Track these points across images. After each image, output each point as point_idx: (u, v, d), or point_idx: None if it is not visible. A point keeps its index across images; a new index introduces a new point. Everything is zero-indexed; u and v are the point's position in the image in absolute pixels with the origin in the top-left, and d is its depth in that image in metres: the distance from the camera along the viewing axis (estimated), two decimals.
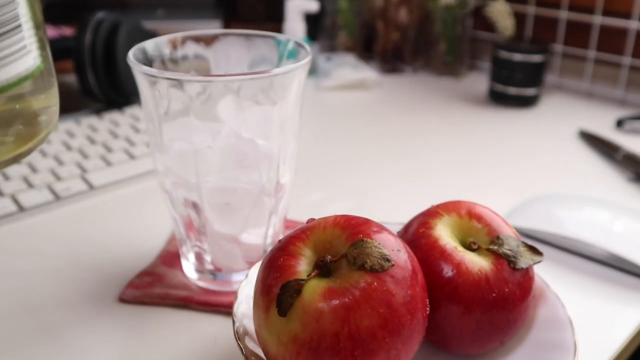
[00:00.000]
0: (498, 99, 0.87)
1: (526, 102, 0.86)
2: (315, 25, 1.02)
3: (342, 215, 0.33)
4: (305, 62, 0.40)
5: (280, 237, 0.47)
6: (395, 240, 0.32)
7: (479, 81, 0.96)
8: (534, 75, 0.85)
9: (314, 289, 0.30)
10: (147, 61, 0.43)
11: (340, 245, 0.31)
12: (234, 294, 0.45)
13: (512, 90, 0.85)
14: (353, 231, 0.32)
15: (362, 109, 0.85)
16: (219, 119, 0.40)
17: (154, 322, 0.43)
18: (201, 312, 0.44)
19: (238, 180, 0.41)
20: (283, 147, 0.42)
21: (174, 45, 0.45)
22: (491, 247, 0.35)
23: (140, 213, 0.57)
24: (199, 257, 0.45)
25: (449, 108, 0.85)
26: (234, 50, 0.47)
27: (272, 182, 0.42)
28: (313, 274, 0.30)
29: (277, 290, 0.30)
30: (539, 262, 0.35)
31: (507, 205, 0.57)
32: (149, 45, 0.43)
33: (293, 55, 0.44)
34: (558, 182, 0.64)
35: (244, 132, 0.41)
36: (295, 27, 0.91)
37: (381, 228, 0.32)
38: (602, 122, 0.80)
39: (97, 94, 0.74)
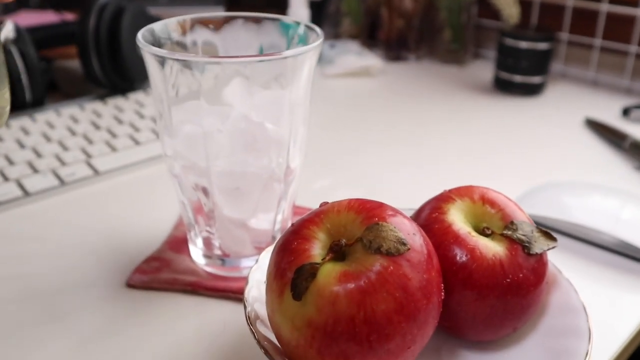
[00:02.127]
0: (503, 86, 0.87)
1: (532, 90, 0.85)
2: (319, 12, 1.02)
3: (356, 199, 0.33)
4: (316, 45, 0.40)
5: (289, 223, 0.46)
6: (410, 223, 0.31)
7: (484, 69, 0.96)
8: (539, 63, 0.84)
9: (329, 272, 0.29)
10: (156, 43, 0.42)
11: (355, 229, 0.31)
12: (243, 279, 0.44)
13: (518, 78, 0.85)
14: (368, 215, 0.31)
15: (367, 96, 0.84)
16: (228, 102, 0.40)
17: (161, 307, 0.43)
18: (209, 298, 0.44)
19: (248, 164, 0.41)
20: (293, 131, 0.42)
21: (183, 28, 0.44)
22: (505, 232, 0.35)
23: (145, 198, 0.56)
24: (207, 242, 0.45)
25: (454, 96, 0.85)
26: (243, 36, 0.47)
27: (281, 167, 0.42)
28: (328, 257, 0.30)
29: (291, 274, 0.30)
30: (553, 247, 0.35)
31: (514, 193, 0.57)
32: (158, 27, 0.43)
33: (303, 40, 0.44)
34: (565, 170, 0.64)
35: (254, 116, 0.40)
36: (299, 13, 0.90)
37: (396, 212, 0.32)
38: (608, 111, 0.79)
39: (101, 80, 0.74)
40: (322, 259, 0.30)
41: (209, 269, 0.46)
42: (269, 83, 0.40)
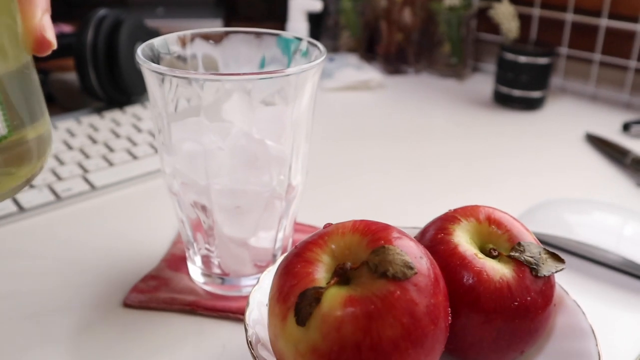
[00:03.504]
0: (503, 101, 0.86)
1: (531, 105, 0.85)
2: (317, 25, 1.01)
3: (361, 221, 0.32)
4: (319, 61, 0.39)
5: (290, 240, 0.46)
6: (417, 246, 0.31)
7: (483, 83, 0.96)
8: (539, 78, 0.84)
9: (334, 297, 0.29)
10: (155, 58, 0.42)
11: (360, 251, 0.30)
12: (243, 298, 0.43)
13: (517, 93, 0.84)
14: (373, 237, 0.30)
15: (365, 110, 0.84)
16: (229, 118, 0.39)
17: (159, 327, 0.42)
18: (208, 318, 0.43)
19: (248, 182, 0.40)
20: (295, 148, 0.41)
21: (183, 42, 0.44)
22: (512, 254, 0.34)
23: (143, 215, 0.55)
24: (207, 261, 0.44)
25: (453, 110, 0.84)
26: (243, 50, 0.46)
27: (283, 185, 0.41)
28: (332, 281, 0.29)
29: (295, 298, 0.29)
30: (561, 269, 0.34)
31: (515, 210, 0.56)
32: (158, 42, 0.42)
33: (305, 56, 0.43)
34: (565, 186, 0.63)
35: (255, 133, 0.40)
36: (298, 26, 0.90)
37: (402, 234, 0.31)
38: (608, 126, 0.79)
39: (99, 93, 0.73)
40: (326, 283, 0.29)
41: (208, 288, 0.45)
42: (270, 99, 0.39)
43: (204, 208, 0.41)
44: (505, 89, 0.85)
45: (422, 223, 0.39)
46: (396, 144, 0.73)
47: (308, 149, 0.43)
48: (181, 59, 0.44)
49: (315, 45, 0.42)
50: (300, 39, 0.44)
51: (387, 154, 0.70)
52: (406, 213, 0.57)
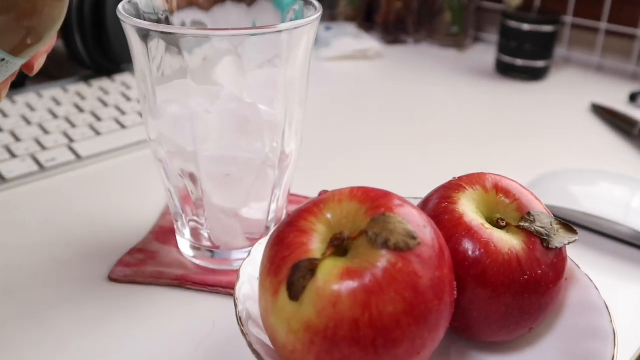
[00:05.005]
0: (505, 70, 0.83)
1: (535, 75, 0.82)
2: None
3: (359, 187, 0.30)
4: (314, 18, 0.37)
5: (284, 212, 0.43)
6: (420, 215, 0.28)
7: (485, 53, 0.92)
8: (544, 47, 0.81)
9: (330, 269, 0.26)
10: (140, 19, 0.39)
11: (359, 220, 0.28)
12: (233, 273, 0.41)
13: (520, 62, 0.81)
14: (373, 205, 0.28)
15: (364, 80, 0.81)
16: (218, 82, 0.37)
17: (146, 303, 0.39)
18: (198, 292, 0.40)
19: (239, 148, 0.38)
20: (289, 113, 0.38)
21: (170, 5, 0.41)
22: (522, 224, 0.32)
23: (130, 185, 0.53)
24: (196, 233, 0.42)
25: (454, 80, 0.82)
26: (234, 16, 0.43)
27: (276, 152, 0.39)
28: (328, 252, 0.27)
29: (288, 270, 0.27)
30: (574, 241, 0.32)
31: (520, 182, 0.54)
32: (142, 1, 0.39)
33: (299, 16, 0.41)
34: (571, 157, 0.61)
35: (246, 97, 0.37)
36: None
37: (404, 201, 0.29)
38: (615, 96, 0.76)
39: (86, 60, 0.70)
40: (321, 254, 0.27)
41: (197, 262, 0.42)
42: (262, 61, 0.36)
43: (192, 176, 0.39)
44: (508, 59, 0.82)
45: (423, 193, 0.37)
46: (395, 114, 0.70)
47: (303, 115, 0.41)
48: (168, 24, 0.41)
49: (311, 4, 0.39)
50: (294, 0, 0.41)
51: (385, 125, 0.67)
52: (406, 183, 0.54)
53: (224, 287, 0.40)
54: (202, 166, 0.38)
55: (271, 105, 0.38)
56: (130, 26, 0.35)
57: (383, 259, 0.26)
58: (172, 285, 0.41)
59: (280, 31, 0.35)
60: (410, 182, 0.55)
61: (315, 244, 0.28)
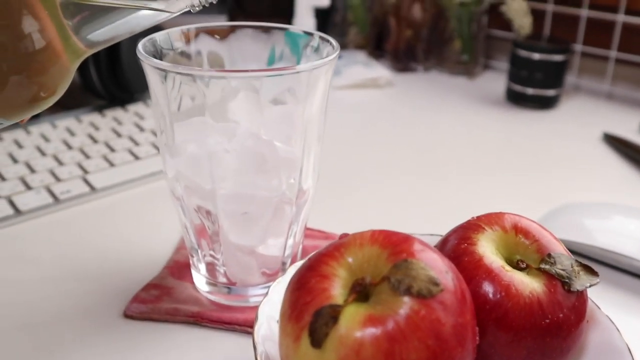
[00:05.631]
0: (516, 99, 0.83)
1: (545, 103, 0.82)
2: (325, 21, 0.99)
3: (380, 231, 0.29)
4: (332, 58, 0.37)
5: (300, 247, 0.43)
6: (442, 260, 0.28)
7: (495, 81, 0.93)
8: (554, 76, 0.81)
9: (353, 316, 0.26)
10: (158, 54, 0.39)
11: (381, 265, 0.28)
12: (250, 309, 0.41)
13: (531, 91, 0.82)
14: (395, 250, 0.28)
15: (375, 109, 0.81)
16: (235, 118, 0.37)
17: (161, 340, 0.39)
18: (214, 330, 0.40)
19: (256, 186, 0.38)
20: (307, 150, 0.38)
21: (187, 38, 0.41)
22: (542, 266, 0.32)
23: (145, 218, 0.53)
24: (211, 269, 0.41)
25: (465, 109, 0.82)
26: (250, 46, 0.43)
27: (293, 189, 0.39)
28: (350, 298, 0.27)
29: (309, 316, 0.27)
30: (596, 283, 0.32)
31: (532, 215, 0.53)
32: (160, 37, 0.40)
33: (316, 51, 0.41)
34: (584, 189, 0.61)
35: (263, 134, 0.37)
36: (305, 23, 0.87)
37: (425, 246, 0.29)
38: (626, 125, 0.76)
39: (100, 90, 0.71)
40: (344, 300, 0.27)
41: (213, 298, 0.42)
42: (280, 98, 0.37)
43: (208, 213, 0.39)
44: (518, 87, 0.82)
45: (435, 227, 0.37)
46: (406, 144, 0.70)
47: (320, 150, 0.41)
48: (185, 55, 0.42)
49: (328, 41, 0.40)
50: (310, 34, 0.41)
51: (397, 155, 0.67)
52: (418, 216, 0.54)
53: (241, 325, 0.40)
54: (219, 204, 0.38)
55: (289, 142, 0.38)
56: (149, 66, 0.36)
57: (406, 306, 0.26)
58: (188, 322, 0.41)
59: (298, 72, 0.35)
60: (422, 214, 0.55)
61: (337, 289, 0.28)
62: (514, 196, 0.59)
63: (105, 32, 0.32)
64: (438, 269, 0.27)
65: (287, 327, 0.28)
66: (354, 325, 0.26)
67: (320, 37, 0.40)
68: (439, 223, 0.40)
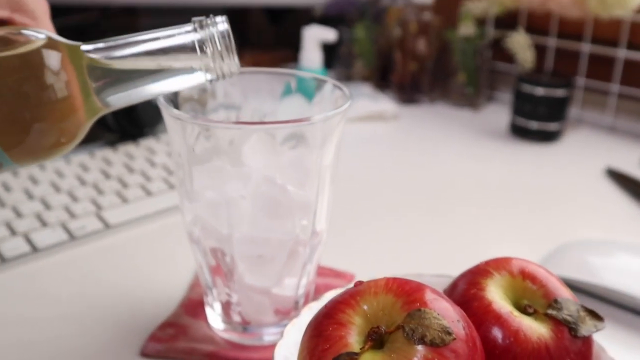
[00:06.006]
0: (519, 132, 0.85)
1: (548, 137, 0.84)
2: (331, 53, 1.00)
3: (394, 279, 0.31)
4: (345, 107, 0.38)
5: (313, 286, 0.44)
6: (453, 309, 0.29)
7: (498, 113, 0.94)
8: (557, 110, 0.83)
9: None
10: (174, 95, 0.41)
11: (395, 313, 0.29)
12: (264, 349, 0.42)
13: (534, 125, 0.83)
14: (408, 299, 0.29)
15: (380, 143, 0.83)
16: (251, 162, 0.38)
17: None
18: None
19: (271, 230, 0.39)
20: (320, 194, 0.40)
21: None
22: (550, 311, 0.33)
23: (159, 255, 0.54)
24: (226, 308, 0.43)
25: (470, 142, 0.83)
26: (264, 84, 0.45)
27: (307, 231, 0.40)
28: (367, 346, 0.28)
29: None
30: (602, 329, 0.33)
31: (535, 252, 0.55)
32: None
33: (329, 99, 0.42)
34: (586, 225, 0.62)
35: (278, 178, 0.38)
36: (312, 56, 0.89)
37: (437, 294, 0.30)
38: (628, 158, 0.77)
39: (111, 125, 0.72)
40: (360, 348, 0.28)
41: (227, 337, 0.43)
42: (294, 144, 0.38)
43: (224, 255, 0.40)
44: (521, 121, 0.84)
45: (440, 264, 0.38)
46: (411, 179, 0.72)
47: (333, 193, 0.42)
48: (200, 88, 0.43)
49: (340, 88, 0.41)
50: (323, 81, 0.43)
51: (402, 191, 0.69)
52: (422, 253, 0.56)
53: None
54: (235, 247, 0.39)
55: (303, 187, 0.39)
56: (170, 116, 0.37)
57: (420, 355, 0.27)
58: None
59: (314, 123, 0.36)
60: (427, 251, 0.56)
61: (353, 337, 0.29)
62: (518, 233, 0.60)
63: (125, 98, 0.34)
64: (450, 317, 0.28)
65: None
66: None
67: (334, 85, 0.42)
68: (444, 261, 0.41)
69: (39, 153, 0.33)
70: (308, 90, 0.44)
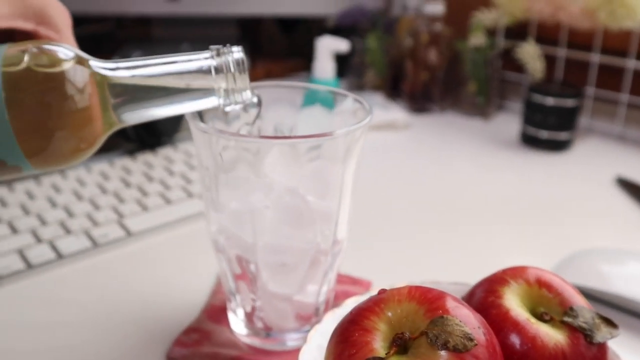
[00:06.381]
0: (530, 142, 0.86)
1: (559, 146, 0.85)
2: (343, 63, 1.02)
3: (417, 287, 0.32)
4: (366, 122, 0.39)
5: (333, 293, 0.46)
6: (474, 316, 0.31)
7: (508, 122, 0.96)
8: (567, 119, 0.84)
9: None
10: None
11: (418, 320, 0.30)
12: (286, 354, 0.43)
13: (545, 134, 0.84)
14: (431, 306, 0.30)
15: (392, 152, 0.84)
16: (274, 174, 0.39)
17: None
18: None
19: (294, 239, 0.40)
20: (342, 204, 0.41)
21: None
22: (565, 319, 0.34)
23: (179, 262, 0.56)
24: (249, 314, 0.44)
25: (481, 152, 0.84)
26: (285, 95, 0.46)
27: (328, 240, 0.41)
28: (392, 351, 0.29)
29: None
30: (616, 336, 0.34)
31: (546, 260, 0.56)
32: None
33: (349, 112, 0.44)
34: (597, 234, 0.63)
35: (301, 188, 0.40)
36: (325, 66, 0.90)
37: (458, 302, 0.31)
38: (638, 168, 0.78)
39: (130, 134, 0.74)
40: (385, 353, 0.29)
41: (250, 341, 0.45)
42: (316, 156, 0.39)
43: (248, 263, 0.41)
44: (532, 130, 0.85)
45: (454, 272, 0.39)
46: (423, 188, 0.73)
47: (353, 202, 0.43)
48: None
49: (361, 103, 0.42)
50: (344, 95, 0.44)
51: (414, 199, 0.70)
52: (435, 261, 0.57)
53: None
54: (259, 256, 0.40)
55: (325, 197, 0.40)
56: (197, 129, 0.38)
57: None
58: None
59: (336, 137, 0.38)
60: (440, 259, 0.57)
61: (378, 342, 0.30)
62: (529, 241, 0.61)
63: (139, 116, 0.36)
64: (471, 324, 0.30)
65: None
66: None
67: (354, 99, 0.43)
68: (456, 269, 0.42)
69: (57, 160, 0.35)
70: (327, 102, 0.46)
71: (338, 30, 1.04)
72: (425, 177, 0.76)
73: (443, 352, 0.28)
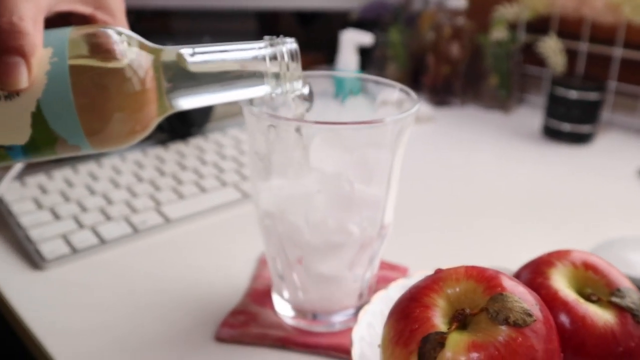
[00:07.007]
0: (551, 135, 0.87)
1: (581, 139, 0.86)
2: (365, 56, 1.03)
3: (472, 267, 0.33)
4: (414, 110, 0.41)
5: (376, 278, 0.47)
6: (531, 294, 0.32)
7: (530, 116, 0.97)
8: (589, 113, 0.85)
9: (457, 342, 0.30)
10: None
11: (477, 298, 0.32)
12: (332, 335, 0.45)
13: (567, 127, 0.85)
14: (490, 284, 0.32)
15: (416, 145, 0.85)
16: (325, 161, 0.41)
17: None
18: (299, 353, 0.44)
19: (343, 223, 0.42)
20: (390, 191, 0.42)
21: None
22: (613, 299, 0.35)
23: (218, 248, 0.57)
24: (295, 297, 0.45)
25: (503, 144, 0.85)
26: (327, 85, 0.47)
27: (376, 225, 0.43)
28: (453, 327, 0.31)
29: (417, 342, 0.30)
30: None
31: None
32: None
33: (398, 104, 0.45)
34: (620, 225, 0.64)
35: (350, 175, 0.41)
36: (348, 59, 0.91)
37: (514, 281, 0.32)
38: None
39: (162, 123, 0.75)
40: (447, 328, 0.31)
41: (295, 323, 0.46)
42: (366, 144, 0.40)
43: (297, 246, 0.42)
44: (554, 123, 0.86)
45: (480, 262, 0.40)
46: (448, 180, 0.74)
47: (398, 187, 0.45)
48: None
49: (408, 93, 0.44)
50: (394, 87, 0.45)
51: (439, 190, 0.71)
52: (463, 249, 0.58)
53: (325, 349, 0.43)
54: (309, 239, 0.41)
55: (373, 184, 0.42)
56: (251, 114, 0.40)
57: (504, 334, 0.29)
58: (275, 346, 0.44)
59: (386, 124, 0.39)
60: (465, 248, 0.59)
61: (439, 318, 0.31)
62: (551, 233, 0.62)
63: (190, 101, 0.37)
64: (529, 301, 0.31)
65: (394, 351, 0.31)
66: (459, 350, 0.29)
67: (401, 90, 0.44)
68: (483, 258, 0.44)
69: (113, 140, 0.36)
70: (370, 92, 0.47)
71: (360, 23, 1.05)
72: (450, 169, 0.77)
73: (504, 327, 0.30)
